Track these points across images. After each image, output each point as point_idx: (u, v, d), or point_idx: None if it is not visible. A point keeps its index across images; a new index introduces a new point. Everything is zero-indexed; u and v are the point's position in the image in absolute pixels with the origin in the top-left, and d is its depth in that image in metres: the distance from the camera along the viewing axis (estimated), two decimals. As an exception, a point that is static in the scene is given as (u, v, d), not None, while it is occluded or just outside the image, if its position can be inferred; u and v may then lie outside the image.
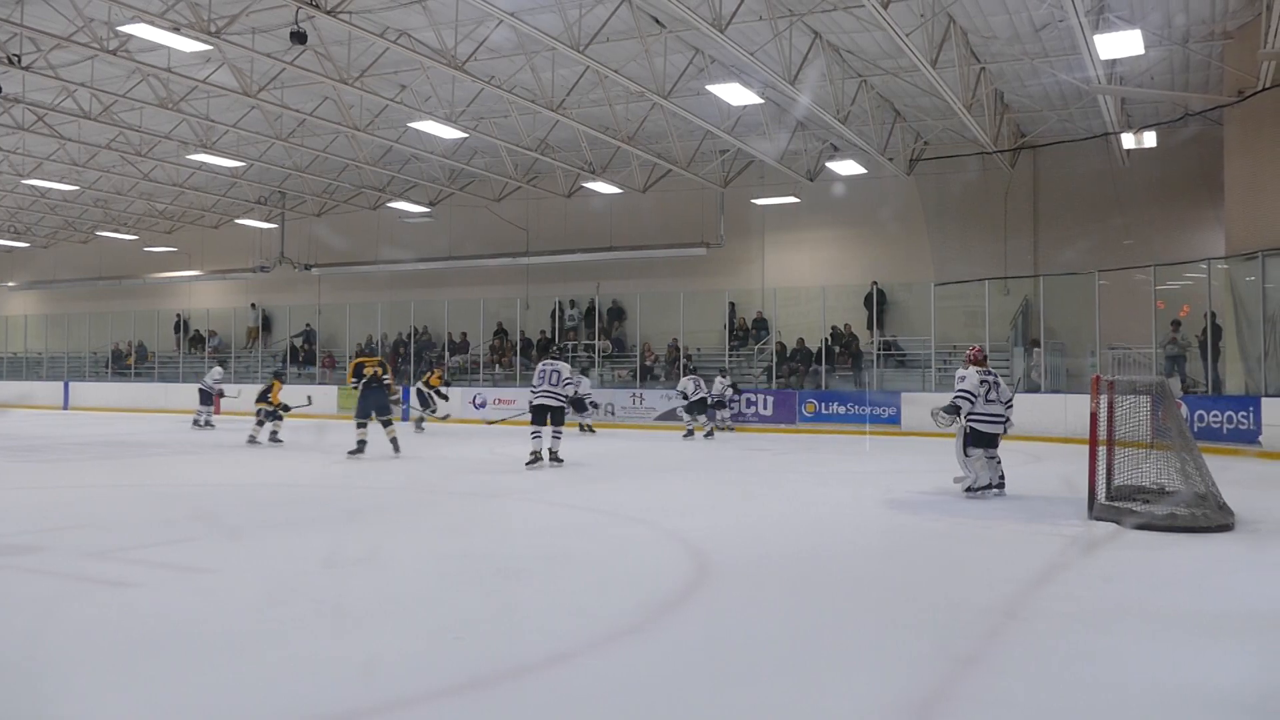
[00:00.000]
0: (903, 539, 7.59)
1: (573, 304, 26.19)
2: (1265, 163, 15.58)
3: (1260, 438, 14.93)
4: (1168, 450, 8.28)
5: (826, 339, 22.27)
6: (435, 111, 18.64)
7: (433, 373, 20.73)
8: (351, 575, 6.09)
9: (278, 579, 5.93)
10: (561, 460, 12.45)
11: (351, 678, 4.03)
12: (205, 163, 23.46)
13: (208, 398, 20.40)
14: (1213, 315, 16.92)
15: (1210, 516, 7.57)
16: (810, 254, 24.10)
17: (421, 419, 19.80)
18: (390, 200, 26.98)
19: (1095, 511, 8.04)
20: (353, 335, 28.29)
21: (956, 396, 9.66)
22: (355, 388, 13.90)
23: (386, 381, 13.95)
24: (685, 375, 19.19)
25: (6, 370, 34.24)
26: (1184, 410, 13.65)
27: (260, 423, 16.43)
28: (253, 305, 31.07)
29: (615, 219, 25.36)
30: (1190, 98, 17.66)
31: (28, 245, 35.06)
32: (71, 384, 30.93)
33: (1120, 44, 13.59)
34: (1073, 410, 16.32)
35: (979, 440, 9.57)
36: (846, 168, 21.16)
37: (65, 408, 30.05)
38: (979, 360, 9.95)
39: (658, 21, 15.57)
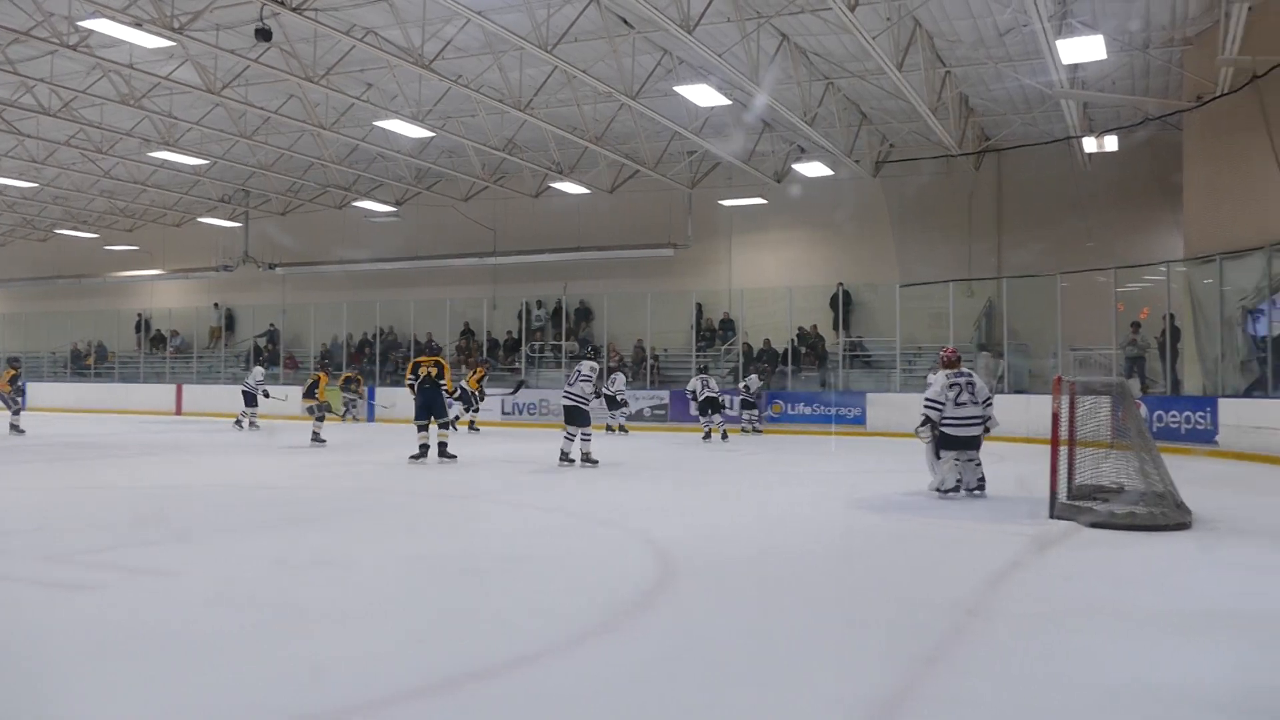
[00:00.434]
0: (867, 539, 7.63)
1: (540, 304, 26.14)
2: (1223, 167, 15.84)
3: (1217, 437, 15.18)
4: (1127, 450, 8.39)
5: (793, 340, 22.41)
6: (401, 110, 18.53)
7: (474, 372, 20.20)
8: (314, 577, 6.04)
9: (239, 582, 5.86)
10: (594, 462, 12.50)
11: (313, 681, 3.99)
12: (167, 160, 23.16)
13: (251, 399, 20.19)
14: (1171, 317, 17.18)
15: (1168, 515, 7.68)
16: (777, 255, 24.21)
17: (473, 422, 19.65)
18: (356, 199, 26.79)
19: (1056, 511, 8.13)
20: (317, 335, 28.08)
21: (924, 407, 9.57)
22: (412, 387, 13.32)
23: (442, 383, 13.30)
24: (694, 375, 19.16)
25: (-38, 370, 33.62)
26: (1143, 410, 13.83)
27: (320, 418, 16.44)
28: (215, 305, 30.73)
29: (583, 219, 25.33)
30: (1150, 103, 17.92)
31: (-15, 243, 34.52)
32: (29, 384, 30.39)
33: (1082, 49, 13.78)
34: (1035, 411, 16.50)
35: (950, 444, 9.45)
36: (813, 169, 21.27)
37: (23, 409, 29.50)
38: (951, 363, 9.76)
39: (626, 22, 15.58)
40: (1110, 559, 6.66)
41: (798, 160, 21.57)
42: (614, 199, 25.00)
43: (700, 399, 18.16)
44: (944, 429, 9.45)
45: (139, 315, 32.14)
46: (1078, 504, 8.17)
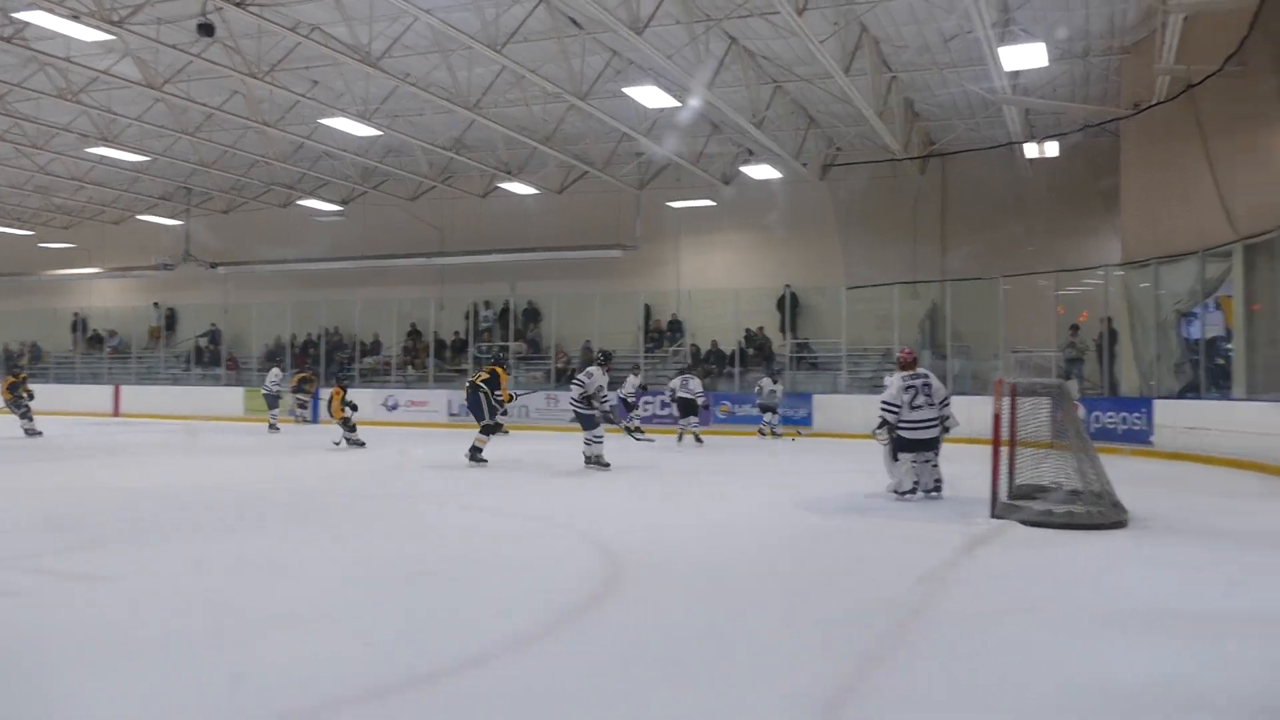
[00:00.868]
0: (812, 539, 7.70)
1: (488, 305, 25.99)
2: (1159, 174, 16.21)
3: (1152, 438, 15.54)
4: (1066, 450, 8.55)
5: (740, 342, 22.53)
6: (348, 108, 18.32)
7: (487, 372, 19.41)
8: (258, 581, 5.95)
9: (181, 586, 5.76)
10: (605, 465, 12.24)
11: (257, 687, 3.94)
12: (106, 157, 22.62)
13: (273, 401, 19.93)
14: (1109, 320, 17.56)
15: (1105, 514, 7.85)
16: (724, 257, 24.33)
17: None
18: (301, 198, 26.44)
19: (998, 510, 8.26)
20: (260, 336, 27.66)
21: (881, 410, 9.51)
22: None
23: (498, 393, 13.10)
24: (677, 374, 18.21)
25: (-110, 370, 32.66)
26: (1081, 411, 14.10)
27: (352, 426, 15.74)
28: (155, 304, 30.14)
29: (531, 220, 25.23)
30: (1089, 110, 18.29)
31: (-86, 239, 33.52)
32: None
33: (1024, 56, 14.03)
34: (977, 412, 16.73)
35: (906, 447, 9.43)
36: (761, 172, 21.43)
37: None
38: (908, 364, 9.69)
39: (575, 23, 15.56)
40: (1049, 558, 6.79)
41: (745, 163, 21.70)
42: (562, 200, 24.95)
43: (675, 398, 17.45)
44: (900, 432, 9.42)
45: (75, 314, 31.39)
46: (1018, 503, 8.31)
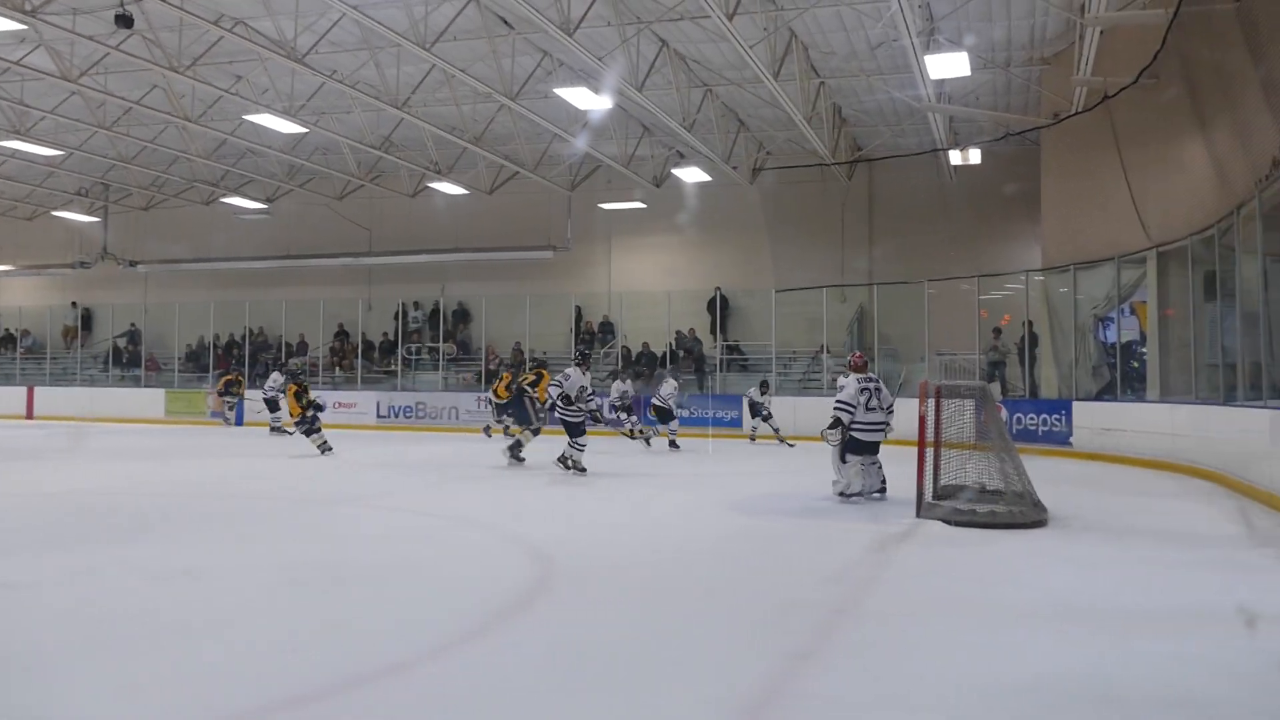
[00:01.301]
0: (740, 540, 7.75)
1: (417, 306, 25.71)
2: (1077, 182, 16.65)
3: (1071, 439, 15.94)
4: (989, 451, 8.74)
5: (671, 343, 22.61)
6: (273, 104, 17.95)
7: (501, 379, 18.08)
8: (176, 587, 5.79)
9: (97, 593, 5.60)
10: (582, 470, 11.94)
11: (175, 695, 3.84)
12: (18, 150, 21.90)
13: (274, 404, 19.60)
14: (1030, 324, 17.98)
15: (1026, 513, 8.03)
16: (656, 259, 24.38)
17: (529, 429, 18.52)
18: (224, 195, 25.86)
19: (923, 510, 8.41)
20: (181, 336, 26.99)
21: (836, 409, 9.54)
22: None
23: (521, 392, 13.38)
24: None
25: None
26: (1004, 413, 14.42)
27: (315, 428, 14.97)
28: (74, 304, 29.22)
29: (461, 220, 25.03)
30: (1010, 119, 18.72)
31: None
32: None
33: (948, 65, 14.31)
34: (903, 414, 17.01)
35: (857, 449, 9.51)
36: (692, 175, 21.53)
37: None
38: (860, 367, 9.81)
39: (506, 22, 15.47)
40: (972, 556, 6.92)
41: (677, 165, 21.79)
42: (493, 200, 24.78)
43: (653, 405, 16.86)
44: (853, 433, 9.49)
45: (-14, 313, 30.35)
46: (942, 503, 8.47)
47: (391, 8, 14.19)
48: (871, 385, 9.56)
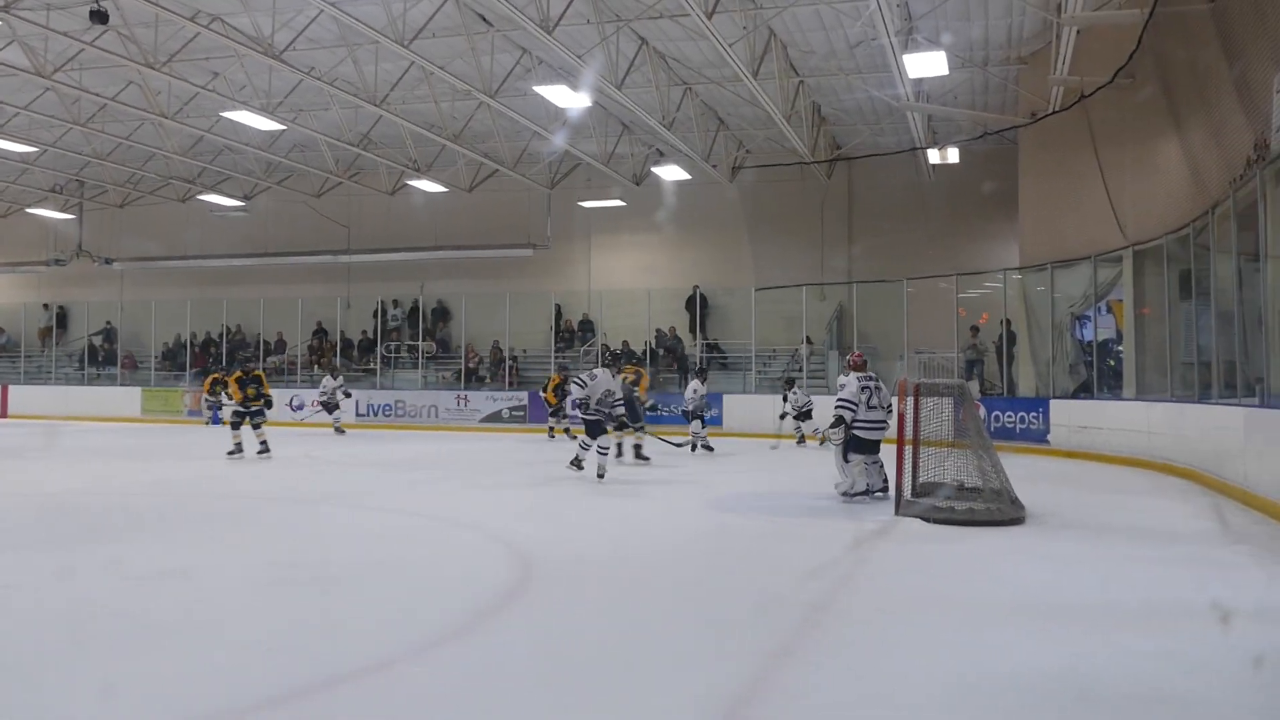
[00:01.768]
0: (721, 538, 7.77)
1: (396, 304, 25.61)
2: (1054, 180, 16.76)
3: (1049, 437, 16.06)
4: (967, 449, 8.79)
5: (650, 342, 22.62)
6: (250, 101, 17.84)
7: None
8: (161, 588, 5.75)
9: (83, 593, 5.55)
10: (599, 476, 11.35)
11: (159, 694, 3.82)
12: (-9, 147, 21.71)
13: (331, 407, 19.99)
14: (1008, 322, 18.08)
15: (1004, 511, 8.08)
16: (635, 257, 24.39)
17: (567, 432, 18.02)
18: (201, 193, 25.66)
19: (901, 508, 8.45)
20: (158, 335, 26.78)
21: (838, 407, 9.47)
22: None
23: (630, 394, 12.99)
24: (692, 377, 16.59)
25: None
26: (982, 411, 14.49)
27: (255, 426, 14.07)
28: (45, 306, 28.89)
29: (440, 218, 24.96)
30: (988, 118, 18.83)
31: None
32: None
33: (927, 64, 14.39)
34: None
35: (860, 447, 9.45)
36: (671, 173, 21.54)
37: None
38: (859, 366, 9.75)
39: (485, 19, 15.42)
40: (950, 554, 6.96)
41: (656, 163, 21.80)
42: (472, 198, 24.72)
43: (690, 408, 15.98)
44: (856, 432, 9.44)
45: (-42, 311, 30.00)
46: (921, 500, 8.51)
47: (369, 4, 14.10)
48: (872, 384, 9.53)
